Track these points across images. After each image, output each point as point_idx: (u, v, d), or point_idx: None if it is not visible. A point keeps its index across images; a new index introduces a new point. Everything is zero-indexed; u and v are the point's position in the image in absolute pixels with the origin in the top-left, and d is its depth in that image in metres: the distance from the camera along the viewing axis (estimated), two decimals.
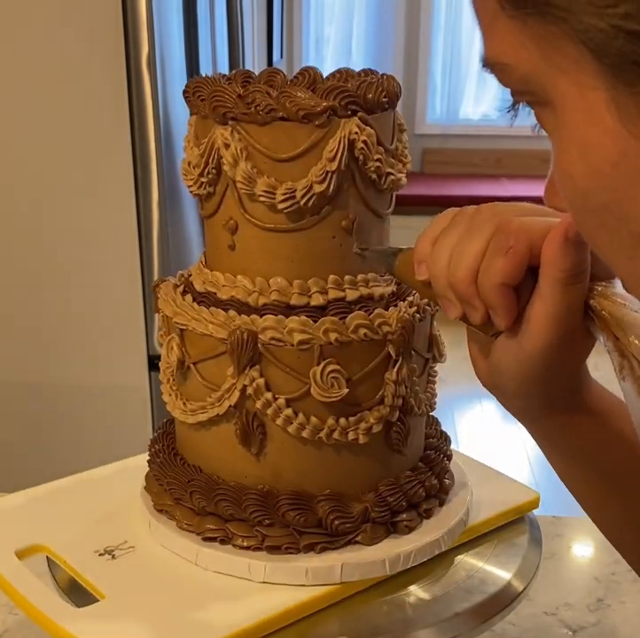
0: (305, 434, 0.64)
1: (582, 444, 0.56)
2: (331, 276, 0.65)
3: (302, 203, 0.63)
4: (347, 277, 0.66)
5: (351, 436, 0.65)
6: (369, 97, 0.63)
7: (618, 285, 0.49)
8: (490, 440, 3.04)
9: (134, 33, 1.45)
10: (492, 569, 0.68)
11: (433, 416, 0.76)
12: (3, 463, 1.51)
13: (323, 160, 0.62)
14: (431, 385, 0.72)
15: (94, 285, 1.59)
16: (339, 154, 0.62)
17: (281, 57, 3.94)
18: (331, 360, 0.63)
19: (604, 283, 0.50)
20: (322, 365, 0.62)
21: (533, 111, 0.40)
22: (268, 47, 3.36)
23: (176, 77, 1.57)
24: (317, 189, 0.62)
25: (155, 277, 1.28)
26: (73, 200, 1.55)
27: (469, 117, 5.07)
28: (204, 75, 0.67)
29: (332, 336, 0.63)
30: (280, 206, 0.63)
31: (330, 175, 0.62)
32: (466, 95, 5.05)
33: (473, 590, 0.65)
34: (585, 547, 1.05)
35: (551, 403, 0.54)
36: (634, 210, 0.35)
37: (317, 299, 0.65)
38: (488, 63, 0.39)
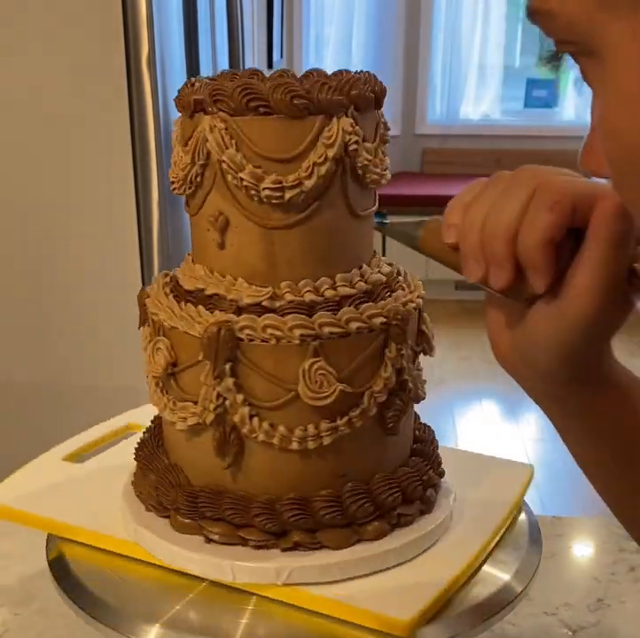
0: (292, 446, 0.64)
1: (605, 423, 0.54)
2: (322, 278, 0.65)
3: (288, 197, 0.62)
4: (339, 276, 0.66)
5: (340, 434, 0.64)
6: (359, 94, 0.63)
7: None
8: (490, 440, 3.04)
9: (134, 33, 1.45)
10: (492, 569, 0.68)
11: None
12: (3, 463, 1.50)
13: (314, 156, 0.62)
14: (420, 378, 0.71)
15: (94, 285, 1.59)
16: (332, 151, 0.62)
17: (281, 57, 3.94)
18: (318, 358, 0.62)
19: None
20: (309, 362, 0.62)
21: (577, 63, 0.38)
22: (268, 47, 3.36)
23: (176, 77, 1.57)
24: (307, 184, 0.62)
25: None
26: (73, 200, 1.55)
27: (469, 117, 5.07)
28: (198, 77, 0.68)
29: (325, 330, 0.63)
30: (264, 194, 0.62)
31: (320, 170, 0.62)
32: (466, 95, 5.05)
33: (473, 590, 0.65)
34: (585, 547, 1.05)
35: (582, 377, 0.52)
36: None
37: (307, 297, 0.65)
38: (533, 11, 0.37)
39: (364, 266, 0.69)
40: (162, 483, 0.69)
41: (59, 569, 0.69)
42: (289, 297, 0.64)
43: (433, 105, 5.10)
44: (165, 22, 1.52)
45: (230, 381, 0.63)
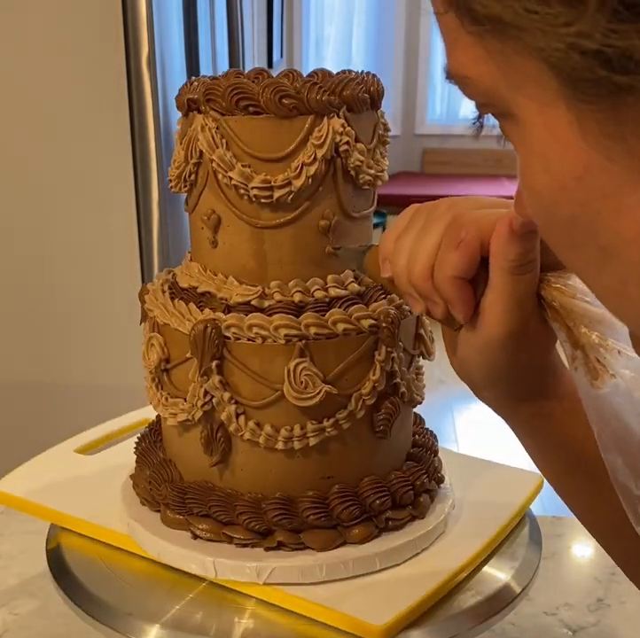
0: (278, 446, 0.64)
1: (555, 433, 0.56)
2: (313, 279, 0.65)
3: (277, 196, 0.62)
4: (330, 276, 0.66)
5: (327, 435, 0.64)
6: (351, 94, 0.63)
7: (572, 276, 0.49)
8: (490, 440, 3.04)
9: (134, 33, 1.45)
10: (491, 569, 0.68)
11: (417, 415, 0.76)
12: (4, 463, 1.50)
13: (303, 156, 0.62)
14: (417, 382, 0.71)
15: (94, 285, 1.59)
16: (321, 151, 0.62)
17: (281, 57, 3.94)
18: (304, 359, 0.62)
19: (556, 273, 0.50)
20: (295, 362, 0.62)
21: (498, 123, 0.39)
22: (268, 47, 3.36)
23: (176, 77, 1.57)
24: (295, 184, 0.62)
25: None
26: (73, 200, 1.55)
27: (469, 117, 5.07)
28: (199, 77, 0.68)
29: (312, 330, 0.63)
30: (253, 193, 0.62)
31: (309, 170, 0.62)
32: None
33: (473, 590, 0.65)
34: (585, 547, 1.05)
35: (519, 391, 0.55)
36: (600, 224, 0.35)
37: (296, 298, 0.64)
38: (452, 75, 0.39)
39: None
40: (155, 478, 0.69)
41: (59, 569, 0.69)
42: (278, 296, 0.64)
43: (433, 105, 5.10)
44: (165, 22, 1.52)
45: (216, 379, 0.63)
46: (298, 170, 0.62)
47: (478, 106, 0.40)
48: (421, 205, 0.54)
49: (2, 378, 1.65)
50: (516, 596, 0.66)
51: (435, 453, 0.74)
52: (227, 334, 0.63)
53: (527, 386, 0.54)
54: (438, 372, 3.66)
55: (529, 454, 0.58)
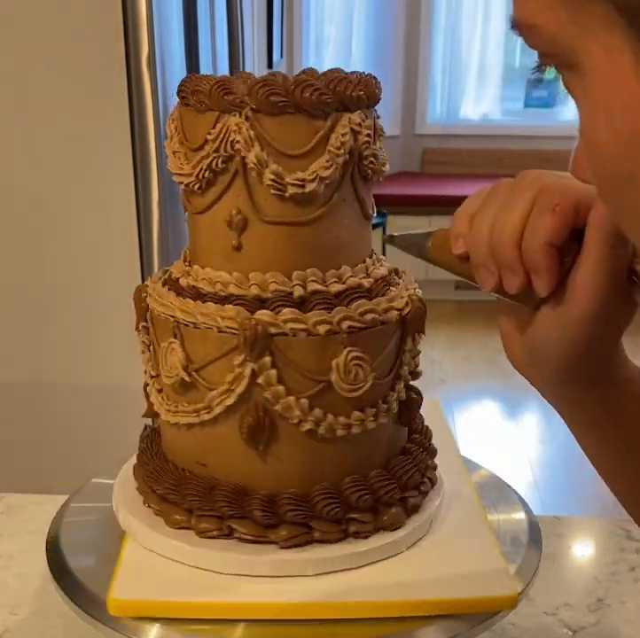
0: (321, 431, 0.65)
1: (620, 421, 0.55)
2: (331, 271, 0.67)
3: (308, 190, 0.64)
4: (343, 267, 0.68)
5: (369, 426, 0.67)
6: (371, 92, 0.66)
7: None
8: (490, 441, 3.04)
9: (134, 33, 1.44)
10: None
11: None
12: (4, 463, 1.51)
13: (330, 151, 0.64)
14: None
15: (94, 285, 1.59)
16: (345, 144, 0.64)
17: (281, 57, 3.94)
18: (353, 348, 0.64)
19: None
20: (345, 353, 0.63)
21: (560, 75, 0.39)
22: (268, 47, 3.36)
23: (176, 77, 1.57)
24: (325, 175, 0.64)
25: None
26: (73, 200, 1.55)
27: (469, 117, 5.07)
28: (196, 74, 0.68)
29: (345, 324, 0.64)
30: (289, 191, 0.64)
31: (335, 164, 0.64)
32: (466, 95, 5.05)
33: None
34: (585, 547, 1.05)
35: (591, 375, 0.53)
36: None
37: (333, 289, 0.67)
38: (516, 24, 0.38)
39: (367, 260, 0.70)
40: (187, 489, 0.69)
41: (59, 569, 0.69)
42: (312, 288, 0.66)
43: (433, 105, 5.10)
44: (165, 22, 1.52)
45: (271, 373, 0.63)
46: (328, 163, 0.64)
47: (541, 57, 0.39)
48: (498, 182, 0.53)
49: (2, 378, 1.65)
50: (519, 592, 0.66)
51: (432, 452, 0.75)
52: (274, 331, 0.63)
53: (601, 368, 0.53)
54: (438, 372, 3.66)
55: (584, 443, 0.57)
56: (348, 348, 0.64)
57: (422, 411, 0.75)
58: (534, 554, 0.70)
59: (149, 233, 1.55)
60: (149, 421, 0.76)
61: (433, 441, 0.75)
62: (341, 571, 0.65)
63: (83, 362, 1.64)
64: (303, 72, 0.67)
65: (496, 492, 0.78)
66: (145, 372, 0.72)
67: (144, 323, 0.70)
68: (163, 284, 0.71)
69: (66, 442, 1.63)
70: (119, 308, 1.58)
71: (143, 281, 1.55)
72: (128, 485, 0.74)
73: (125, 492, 0.73)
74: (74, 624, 0.86)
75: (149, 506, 0.70)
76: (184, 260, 0.72)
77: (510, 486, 0.80)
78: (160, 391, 0.70)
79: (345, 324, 0.64)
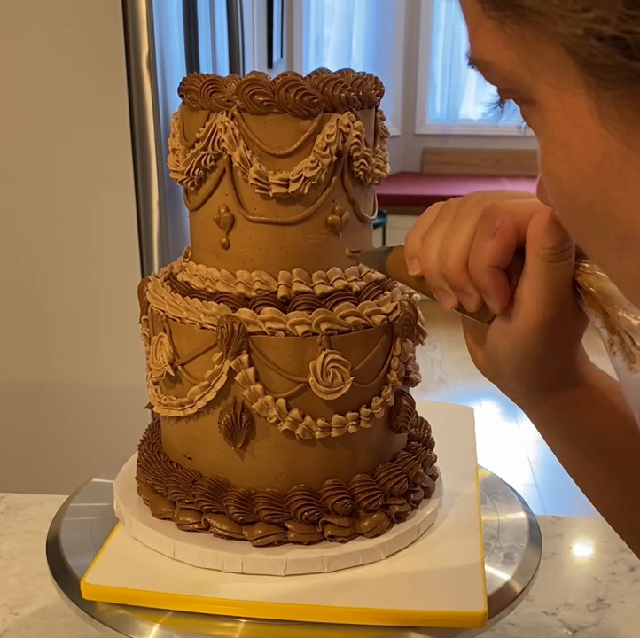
0: (298, 432, 0.65)
1: (581, 424, 0.56)
2: (318, 272, 0.66)
3: (292, 190, 0.63)
4: (332, 269, 0.67)
5: (350, 429, 0.66)
6: (361, 92, 0.65)
7: None
8: (490, 441, 3.04)
9: (134, 33, 1.44)
10: (491, 569, 0.68)
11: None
12: (3, 463, 1.51)
13: (315, 152, 0.63)
14: (416, 369, 0.73)
15: (94, 285, 1.59)
16: (332, 145, 0.63)
17: (281, 57, 3.94)
18: (331, 350, 0.63)
19: (591, 260, 0.50)
20: (323, 355, 0.63)
21: (519, 109, 0.40)
22: (268, 47, 3.36)
23: (176, 77, 1.57)
24: (310, 176, 0.63)
25: None
26: (73, 200, 1.55)
27: (469, 117, 5.08)
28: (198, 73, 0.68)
29: (324, 326, 0.64)
30: (273, 190, 0.63)
31: (321, 165, 0.63)
32: (466, 95, 5.05)
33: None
34: (585, 547, 1.05)
35: (548, 382, 0.55)
36: (618, 211, 0.35)
37: (318, 290, 0.66)
38: (473, 61, 0.39)
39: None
40: (170, 481, 0.69)
41: (59, 569, 0.69)
42: (296, 288, 0.65)
43: (433, 105, 5.10)
44: (165, 22, 1.52)
45: (249, 371, 0.64)
46: (314, 164, 0.63)
47: (499, 92, 0.40)
48: (446, 202, 0.54)
49: (2, 378, 1.65)
50: (516, 596, 0.66)
51: (428, 461, 0.75)
52: (252, 330, 0.63)
53: (557, 375, 0.55)
54: (438, 372, 3.66)
55: (552, 448, 0.58)
56: (327, 350, 0.63)
57: (454, 415, 0.74)
58: (534, 554, 0.70)
59: (149, 233, 1.55)
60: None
61: (455, 448, 0.76)
62: (313, 573, 0.65)
63: (83, 362, 1.64)
64: (315, 72, 0.66)
65: (496, 492, 0.78)
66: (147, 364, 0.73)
67: (145, 316, 0.71)
68: (166, 279, 0.72)
69: (66, 442, 1.63)
70: (119, 308, 1.58)
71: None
72: (130, 473, 0.75)
73: (125, 480, 0.75)
74: (74, 624, 0.86)
75: (140, 495, 0.71)
76: (185, 256, 0.73)
77: (510, 486, 0.80)
78: (155, 384, 0.71)
79: (323, 326, 0.63)
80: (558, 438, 0.58)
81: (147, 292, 0.71)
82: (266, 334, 0.64)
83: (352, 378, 0.64)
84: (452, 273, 0.51)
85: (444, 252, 0.52)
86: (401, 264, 0.57)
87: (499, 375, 0.56)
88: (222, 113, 0.64)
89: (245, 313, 0.64)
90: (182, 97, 0.68)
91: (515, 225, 0.50)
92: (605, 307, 0.48)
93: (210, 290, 0.67)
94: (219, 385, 0.64)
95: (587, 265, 0.50)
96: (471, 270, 0.51)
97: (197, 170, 0.66)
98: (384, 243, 4.19)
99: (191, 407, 0.66)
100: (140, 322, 0.73)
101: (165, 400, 0.69)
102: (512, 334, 0.52)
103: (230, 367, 0.64)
